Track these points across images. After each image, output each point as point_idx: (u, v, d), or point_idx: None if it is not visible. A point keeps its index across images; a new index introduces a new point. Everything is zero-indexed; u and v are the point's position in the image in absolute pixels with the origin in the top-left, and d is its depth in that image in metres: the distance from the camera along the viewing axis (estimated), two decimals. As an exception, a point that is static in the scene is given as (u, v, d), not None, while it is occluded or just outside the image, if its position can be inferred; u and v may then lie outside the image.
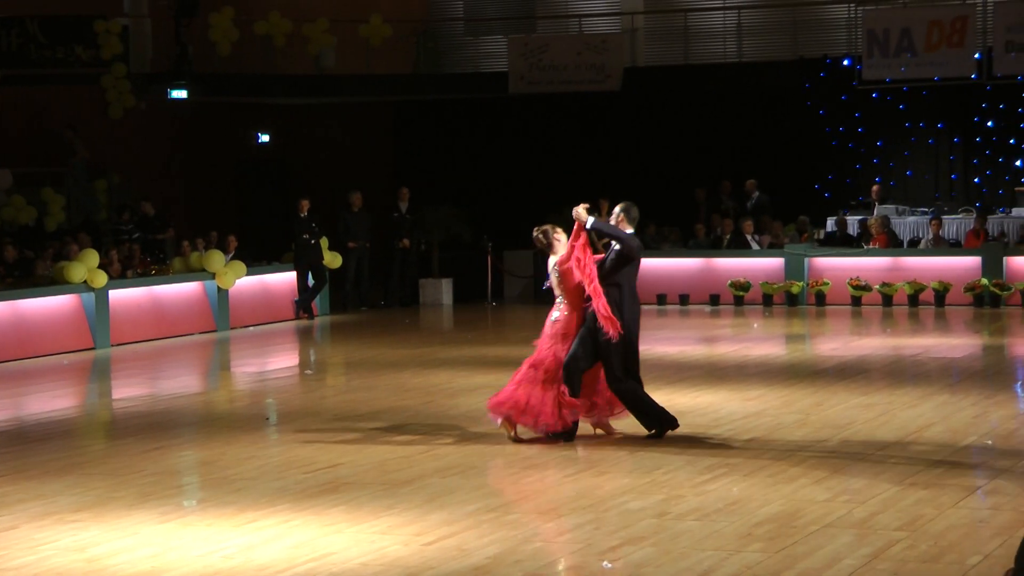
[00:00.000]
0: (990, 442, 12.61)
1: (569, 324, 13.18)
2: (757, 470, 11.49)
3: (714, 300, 26.99)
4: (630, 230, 13.46)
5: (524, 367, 13.13)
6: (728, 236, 27.78)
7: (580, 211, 13.21)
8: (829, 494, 10.56)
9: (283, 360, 21.46)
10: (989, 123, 29.61)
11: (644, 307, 26.96)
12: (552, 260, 13.39)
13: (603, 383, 13.02)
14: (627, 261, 13.20)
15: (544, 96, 31.52)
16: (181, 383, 18.69)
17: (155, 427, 14.40)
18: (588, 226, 13.12)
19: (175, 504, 10.74)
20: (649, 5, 32.75)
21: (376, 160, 33.93)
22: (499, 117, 32.90)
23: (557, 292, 13.36)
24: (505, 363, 18.78)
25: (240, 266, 24.60)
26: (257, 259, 26.17)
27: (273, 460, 12.43)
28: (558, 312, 13.33)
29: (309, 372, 19.83)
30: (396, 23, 32.33)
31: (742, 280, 26.60)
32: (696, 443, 12.70)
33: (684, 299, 27.20)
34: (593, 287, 12.85)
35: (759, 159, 30.28)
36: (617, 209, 13.67)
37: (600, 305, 12.76)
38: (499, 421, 12.97)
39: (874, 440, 12.67)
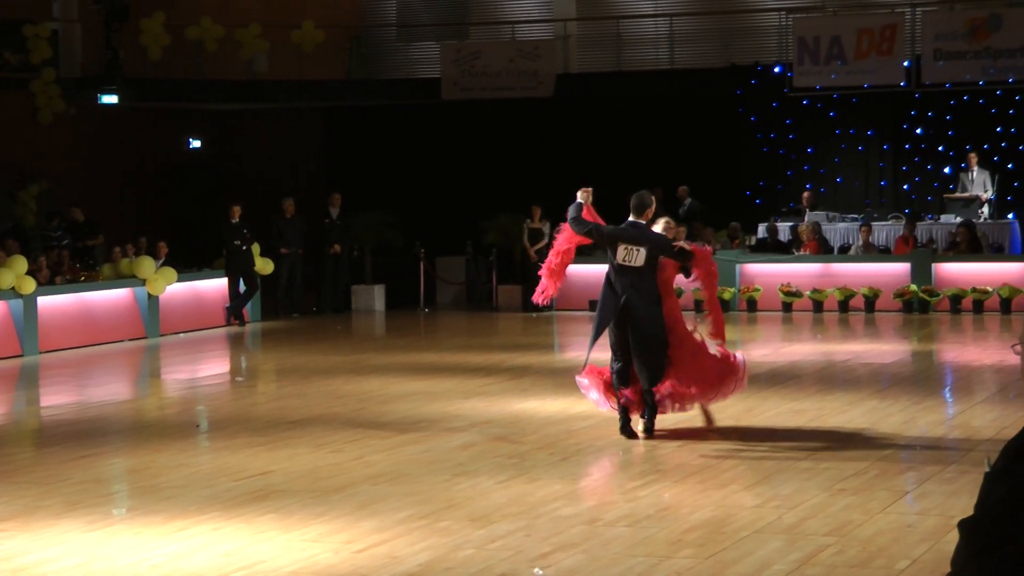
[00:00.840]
0: (918, 447, 12.70)
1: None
2: (688, 476, 11.53)
3: (646, 306, 27.03)
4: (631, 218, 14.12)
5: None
6: (660, 242, 27.81)
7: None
8: (759, 500, 10.60)
9: (214, 367, 21.36)
10: (918, 130, 29.85)
11: (576, 313, 27.15)
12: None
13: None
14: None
15: (476, 102, 31.53)
16: (110, 390, 18.54)
17: (83, 435, 14.29)
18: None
19: (103, 512, 10.66)
20: (582, 12, 32.81)
21: (308, 166, 33.84)
22: (432, 123, 32.87)
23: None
24: (437, 369, 18.79)
25: (171, 272, 24.46)
26: (188, 265, 26.04)
27: (203, 468, 12.36)
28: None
29: (240, 379, 19.75)
30: (329, 29, 32.26)
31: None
32: (627, 449, 12.73)
33: (616, 305, 27.21)
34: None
35: (691, 166, 30.40)
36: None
37: None
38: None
39: (804, 446, 12.74)
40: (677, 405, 13.21)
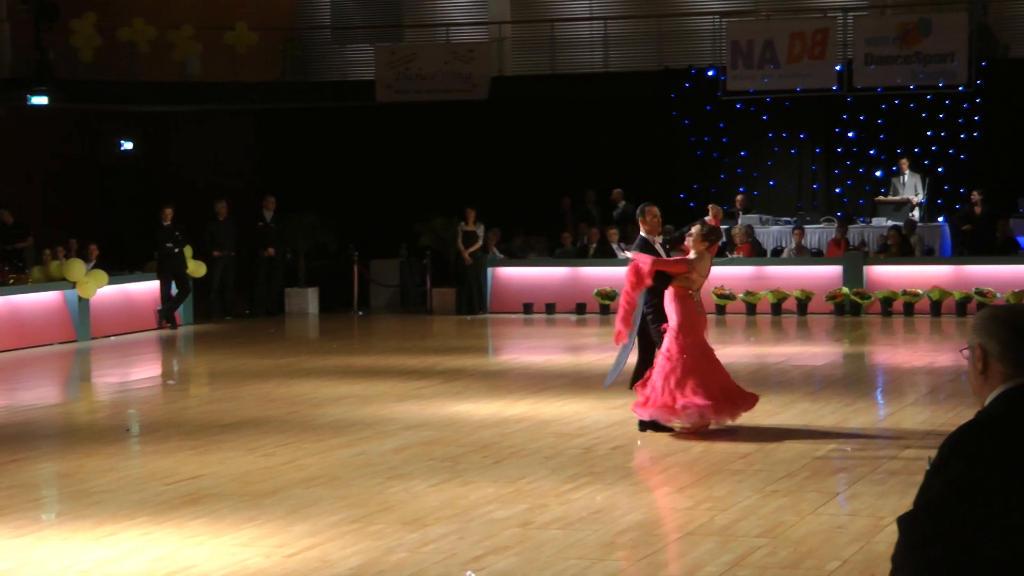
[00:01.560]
0: (849, 449, 12.76)
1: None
2: (621, 479, 11.54)
3: (580, 309, 27.11)
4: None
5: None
6: (594, 245, 27.94)
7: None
8: (691, 502, 10.62)
9: (145, 370, 21.22)
10: (850, 134, 30.05)
11: (510, 316, 27.12)
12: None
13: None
14: None
15: (411, 105, 31.49)
16: (40, 394, 18.38)
17: (12, 439, 14.15)
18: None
19: (32, 518, 10.55)
20: (516, 15, 32.83)
21: (242, 168, 33.68)
22: (366, 126, 32.78)
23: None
24: (371, 373, 18.74)
25: (102, 275, 24.27)
26: (119, 268, 25.87)
27: (133, 472, 12.27)
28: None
29: (172, 382, 19.63)
30: (262, 31, 32.12)
31: (608, 289, 26.73)
32: (560, 452, 12.72)
33: (550, 308, 27.29)
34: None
35: (625, 168, 30.48)
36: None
37: None
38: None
39: (736, 448, 12.77)
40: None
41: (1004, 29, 29.73)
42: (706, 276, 13.84)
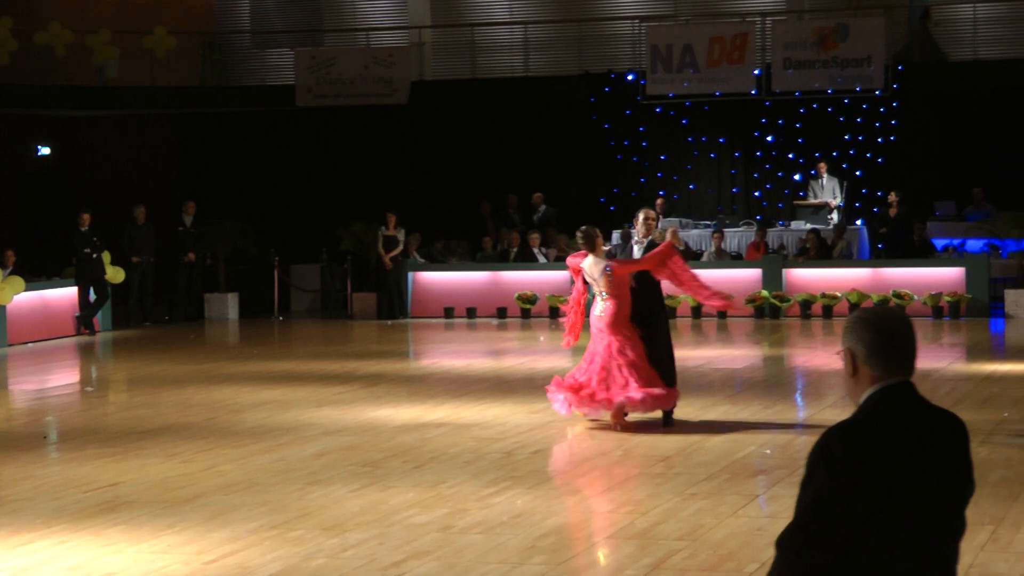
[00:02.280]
0: (769, 451, 12.84)
1: (619, 317, 14.11)
2: (542, 483, 11.56)
3: (501, 313, 27.12)
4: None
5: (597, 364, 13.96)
6: (515, 249, 27.97)
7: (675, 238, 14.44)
8: (612, 505, 10.65)
9: (63, 377, 21.02)
10: (769, 138, 30.24)
11: (431, 321, 27.09)
12: (596, 261, 14.27)
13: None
14: None
15: (331, 109, 31.41)
16: (-44, 402, 18.17)
17: (-72, 447, 13.97)
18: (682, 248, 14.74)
19: (-53, 527, 10.43)
20: (436, 19, 32.83)
21: (161, 173, 33.47)
22: (286, 130, 32.67)
23: (600, 288, 14.18)
24: (291, 378, 18.66)
25: (18, 281, 24.01)
26: (37, 274, 25.62)
27: (51, 480, 12.15)
28: (602, 305, 14.17)
29: (90, 389, 19.46)
30: (181, 35, 31.94)
31: (529, 293, 26.78)
32: (481, 457, 12.72)
33: (471, 312, 27.29)
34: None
35: (545, 172, 30.53)
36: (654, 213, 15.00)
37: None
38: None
39: (657, 451, 12.82)
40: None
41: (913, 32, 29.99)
42: (596, 278, 14.27)
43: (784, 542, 4.39)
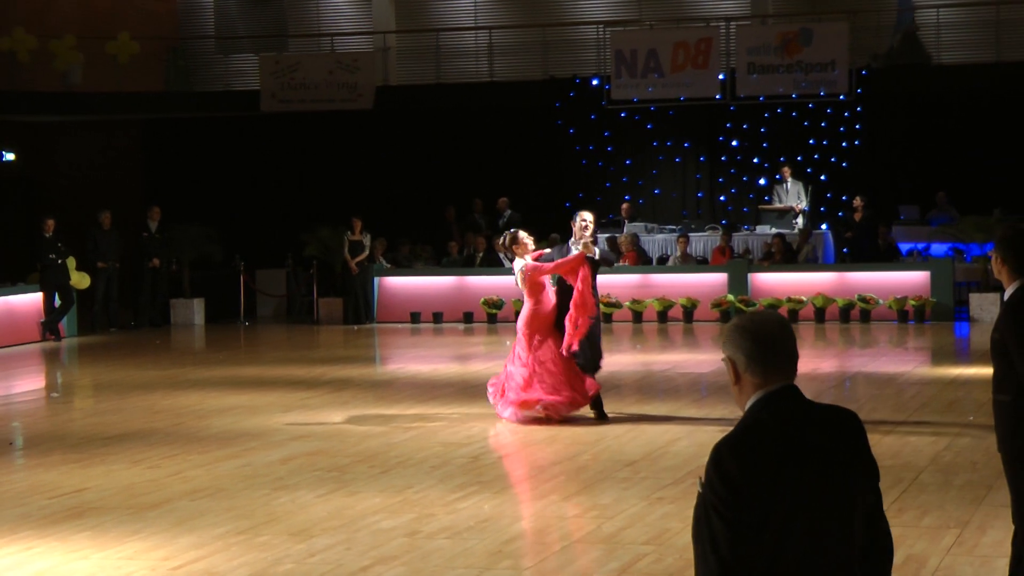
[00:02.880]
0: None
1: (534, 318, 14.61)
2: (508, 487, 11.58)
3: (467, 318, 27.13)
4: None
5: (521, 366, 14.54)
6: (481, 254, 27.98)
7: (588, 242, 14.68)
8: (578, 510, 10.67)
9: (29, 383, 20.94)
10: (733, 142, 30.33)
11: (397, 326, 27.09)
12: (518, 263, 14.83)
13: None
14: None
15: (296, 114, 31.39)
16: (-80, 408, 18.07)
17: None
18: (596, 257, 14.73)
19: (-89, 534, 10.38)
20: (401, 24, 32.83)
21: (126, 179, 33.37)
22: (251, 135, 32.63)
23: (522, 290, 14.76)
24: (257, 383, 18.63)
25: (-17, 287, 23.93)
26: (1, 280, 25.51)
27: (16, 486, 12.10)
28: (524, 306, 14.81)
29: (56, 395, 19.39)
30: (145, 40, 31.86)
31: (495, 298, 26.78)
32: (448, 461, 12.72)
33: (438, 317, 27.28)
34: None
35: (510, 177, 30.57)
36: (590, 217, 15.14)
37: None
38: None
39: (623, 456, 12.84)
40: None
41: (882, 38, 30.14)
42: (518, 281, 14.90)
43: (695, 550, 4.47)
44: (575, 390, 14.50)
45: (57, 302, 25.45)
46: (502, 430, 14.44)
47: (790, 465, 4.33)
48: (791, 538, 4.30)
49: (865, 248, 27.31)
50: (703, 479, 4.41)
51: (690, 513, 10.64)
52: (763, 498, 4.28)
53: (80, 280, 26.13)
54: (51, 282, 25.37)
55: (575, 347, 14.43)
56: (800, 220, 28.17)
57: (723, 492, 4.30)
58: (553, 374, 14.42)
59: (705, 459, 12.24)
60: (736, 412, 4.53)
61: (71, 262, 25.83)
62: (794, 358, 4.49)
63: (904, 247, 27.61)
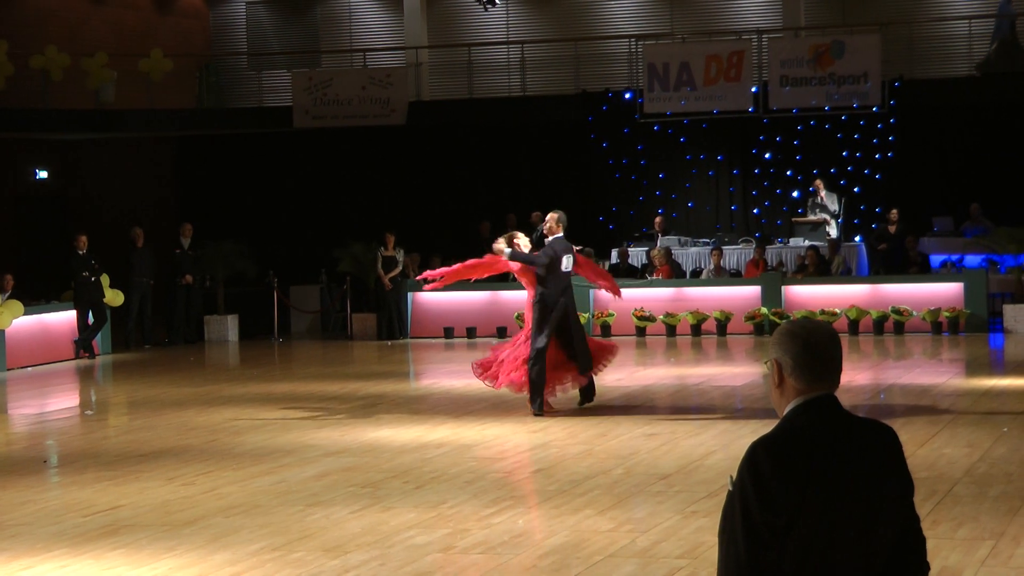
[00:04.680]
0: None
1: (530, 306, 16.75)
2: (542, 502, 11.54)
3: (501, 332, 27.09)
4: (561, 234, 16.77)
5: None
6: (514, 269, 27.93)
7: (499, 247, 16.83)
8: (613, 524, 10.63)
9: (63, 401, 20.99)
10: (766, 155, 30.27)
11: (431, 341, 27.08)
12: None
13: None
14: (546, 271, 16.50)
15: (329, 130, 31.45)
16: (-44, 426, 18.12)
17: (-73, 472, 13.94)
18: (506, 257, 16.81)
19: (-53, 552, 10.40)
20: (433, 39, 32.89)
21: (159, 196, 33.49)
22: (284, 152, 32.71)
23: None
24: (291, 399, 18.65)
25: (17, 305, 24.00)
26: (35, 298, 25.60)
27: (51, 504, 12.13)
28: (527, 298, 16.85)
29: (90, 412, 19.42)
30: (177, 57, 31.98)
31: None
32: (482, 476, 12.71)
33: (471, 332, 27.27)
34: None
35: (543, 191, 30.54)
36: (551, 216, 17.00)
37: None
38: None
39: (657, 469, 12.80)
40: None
41: (914, 49, 30.07)
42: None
43: (720, 550, 4.47)
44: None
45: (91, 319, 25.52)
46: (536, 444, 14.42)
47: (821, 473, 4.36)
48: (815, 546, 4.32)
49: (899, 260, 27.21)
50: (734, 477, 4.42)
51: (725, 527, 10.57)
52: (792, 502, 4.30)
53: (113, 297, 26.20)
54: (85, 299, 25.45)
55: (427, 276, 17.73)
56: (832, 231, 28.07)
57: (753, 491, 4.32)
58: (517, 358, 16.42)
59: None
60: (773, 421, 4.52)
61: (105, 279, 25.91)
62: (839, 369, 4.54)
63: (938, 259, 27.49)
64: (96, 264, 25.65)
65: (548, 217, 16.95)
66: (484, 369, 16.82)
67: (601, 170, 30.81)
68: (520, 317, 26.79)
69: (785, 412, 4.53)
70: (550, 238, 16.79)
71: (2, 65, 29.98)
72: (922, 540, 4.58)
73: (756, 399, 18.09)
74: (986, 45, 30.07)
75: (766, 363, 4.63)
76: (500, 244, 16.81)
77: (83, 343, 25.33)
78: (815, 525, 4.30)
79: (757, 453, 4.38)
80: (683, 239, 28.96)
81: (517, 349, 16.60)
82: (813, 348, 4.48)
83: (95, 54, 30.92)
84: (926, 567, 4.58)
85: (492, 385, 16.80)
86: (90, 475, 13.35)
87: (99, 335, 25.74)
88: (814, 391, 4.48)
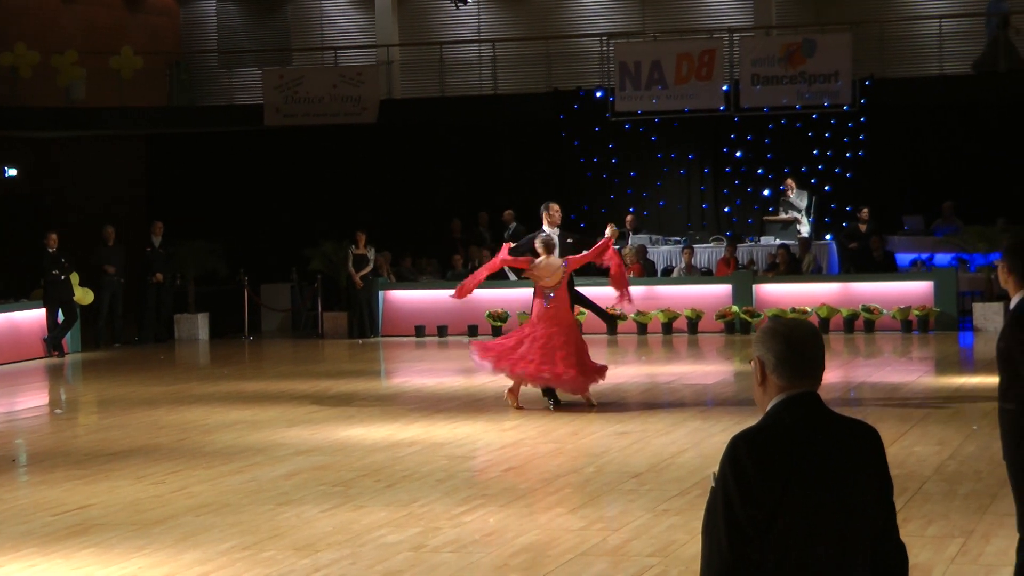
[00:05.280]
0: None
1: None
2: (513, 500, 11.53)
3: (472, 331, 27.08)
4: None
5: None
6: (485, 267, 27.92)
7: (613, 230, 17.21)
8: (584, 522, 10.63)
9: (32, 399, 20.92)
10: (737, 154, 30.32)
11: (402, 339, 27.04)
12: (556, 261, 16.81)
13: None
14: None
15: (300, 128, 31.39)
16: (-75, 425, 18.05)
17: None
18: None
19: (-85, 551, 10.35)
20: (404, 37, 32.85)
21: (130, 194, 33.38)
22: (255, 150, 32.63)
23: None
24: (262, 398, 18.61)
25: (-13, 303, 23.92)
26: (4, 296, 25.50)
27: (20, 503, 12.08)
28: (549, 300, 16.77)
29: (59, 411, 19.35)
30: (148, 55, 31.89)
31: (500, 311, 26.74)
32: (453, 475, 12.70)
33: (442, 330, 27.25)
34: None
35: (515, 190, 30.54)
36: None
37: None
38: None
39: (628, 468, 12.80)
40: None
41: (885, 48, 30.15)
42: (549, 277, 16.66)
43: (703, 545, 4.52)
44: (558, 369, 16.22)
45: (60, 318, 25.43)
46: (507, 442, 14.41)
47: (802, 468, 4.40)
48: (796, 541, 4.35)
49: (869, 258, 27.28)
50: (716, 473, 4.45)
51: (697, 525, 10.63)
52: (773, 497, 4.34)
53: (83, 296, 26.11)
54: (54, 298, 25.35)
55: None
56: (803, 230, 28.13)
57: (735, 485, 4.35)
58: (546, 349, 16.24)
59: (710, 470, 12.19)
60: (744, 419, 4.53)
61: (74, 278, 25.81)
62: (821, 367, 4.59)
63: (908, 257, 27.58)
64: (66, 262, 25.55)
65: (554, 208, 17.58)
66: (487, 351, 16.77)
67: (573, 168, 30.82)
68: (495, 317, 26.82)
69: (768, 408, 4.56)
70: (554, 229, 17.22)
71: (-29, 62, 29.87)
72: (900, 541, 4.62)
73: (727, 397, 18.12)
74: (958, 44, 30.19)
75: (750, 361, 4.66)
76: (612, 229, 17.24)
77: (53, 342, 25.24)
78: (795, 520, 4.34)
79: (738, 448, 4.42)
80: (654, 237, 29.00)
81: (533, 344, 16.41)
82: (795, 345, 4.53)
83: (65, 51, 30.82)
84: (905, 568, 4.62)
85: (492, 365, 16.57)
86: (60, 474, 13.30)
87: (69, 334, 25.65)
88: (796, 388, 4.53)
